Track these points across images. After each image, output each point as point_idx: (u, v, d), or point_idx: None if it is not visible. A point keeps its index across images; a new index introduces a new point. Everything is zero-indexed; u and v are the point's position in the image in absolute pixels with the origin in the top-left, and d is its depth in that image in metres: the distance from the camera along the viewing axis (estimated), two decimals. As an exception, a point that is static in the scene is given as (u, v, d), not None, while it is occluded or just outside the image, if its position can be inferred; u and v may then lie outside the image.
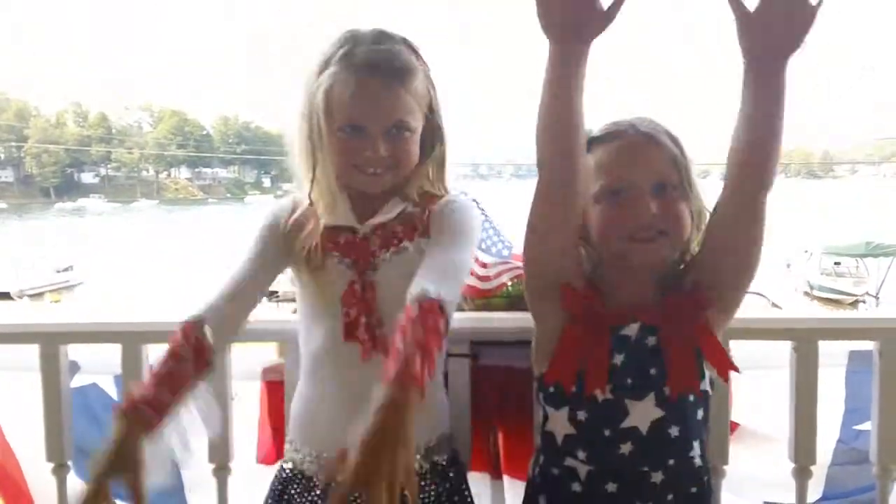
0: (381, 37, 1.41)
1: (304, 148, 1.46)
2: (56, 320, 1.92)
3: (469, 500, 1.55)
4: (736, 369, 1.39)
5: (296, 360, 1.61)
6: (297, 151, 1.48)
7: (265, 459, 1.98)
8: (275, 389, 1.90)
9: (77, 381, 1.98)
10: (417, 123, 1.44)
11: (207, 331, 1.33)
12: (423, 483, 1.46)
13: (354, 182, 1.45)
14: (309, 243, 1.46)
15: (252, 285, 1.44)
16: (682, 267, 1.42)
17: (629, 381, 1.34)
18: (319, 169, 1.44)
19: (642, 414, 1.34)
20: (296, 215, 1.49)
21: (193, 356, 1.30)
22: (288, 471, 1.52)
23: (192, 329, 1.33)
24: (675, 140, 1.36)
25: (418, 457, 1.44)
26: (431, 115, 1.47)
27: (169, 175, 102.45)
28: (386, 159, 1.41)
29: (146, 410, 1.23)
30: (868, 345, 1.85)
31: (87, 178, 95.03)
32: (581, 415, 1.37)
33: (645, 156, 1.33)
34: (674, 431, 1.35)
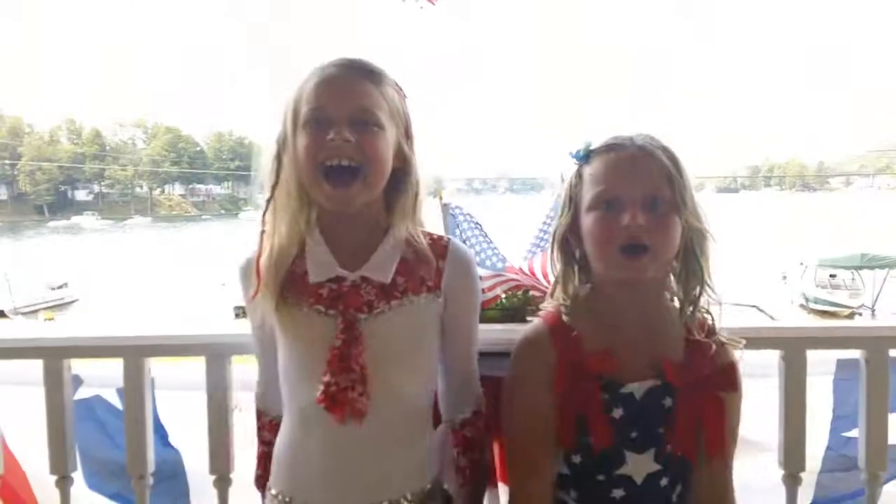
0: (358, 57, 1.41)
1: (268, 165, 1.41)
2: (58, 335, 1.94)
3: None
4: (722, 457, 1.43)
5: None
6: (263, 173, 1.42)
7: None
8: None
9: (80, 395, 2.01)
10: (388, 126, 1.38)
11: (271, 414, 1.57)
12: None
13: (320, 191, 1.34)
14: (255, 280, 1.39)
15: (275, 358, 1.49)
16: (690, 310, 1.42)
17: (633, 434, 1.38)
18: (280, 189, 1.39)
19: (640, 466, 1.38)
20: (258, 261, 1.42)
21: (273, 434, 1.54)
22: None
23: (260, 416, 1.61)
24: (671, 156, 1.38)
25: None
26: (407, 139, 1.44)
27: (163, 192, 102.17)
28: (353, 148, 1.32)
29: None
30: (855, 353, 1.90)
31: (81, 195, 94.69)
32: (576, 458, 1.40)
33: (639, 170, 1.36)
34: (664, 482, 1.40)
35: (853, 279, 22.05)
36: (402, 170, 1.43)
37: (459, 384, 1.55)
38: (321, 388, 1.35)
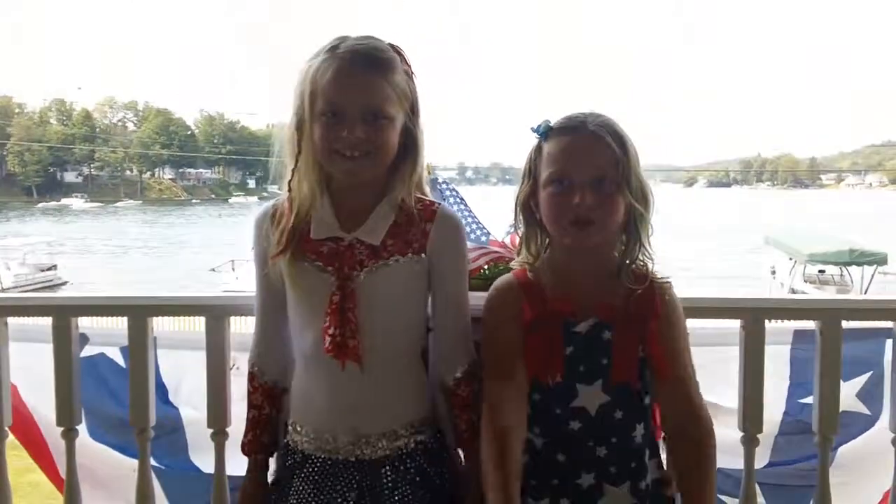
0: (368, 37, 1.56)
1: (290, 138, 1.58)
2: (67, 295, 2.05)
3: (446, 477, 1.67)
4: (669, 376, 1.59)
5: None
6: (284, 143, 1.60)
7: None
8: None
9: (85, 352, 2.13)
10: (396, 114, 1.55)
11: (265, 377, 1.69)
12: (408, 461, 1.61)
13: (335, 166, 1.54)
14: (284, 240, 1.56)
15: (277, 313, 1.67)
16: (628, 264, 1.61)
17: (581, 368, 1.57)
18: (302, 159, 1.56)
19: (590, 397, 1.57)
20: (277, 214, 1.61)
21: (267, 399, 1.69)
22: (290, 447, 1.66)
23: (252, 379, 1.70)
24: (620, 141, 1.55)
25: (404, 435, 1.61)
26: (412, 115, 1.60)
27: (153, 175, 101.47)
28: (363, 142, 1.50)
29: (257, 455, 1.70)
30: (811, 324, 2.04)
31: (70, 177, 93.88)
32: (535, 396, 1.59)
33: (589, 154, 1.55)
34: (618, 415, 1.58)
35: (842, 275, 22.15)
36: (405, 143, 1.59)
37: (449, 344, 1.67)
38: (328, 338, 1.54)
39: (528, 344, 1.58)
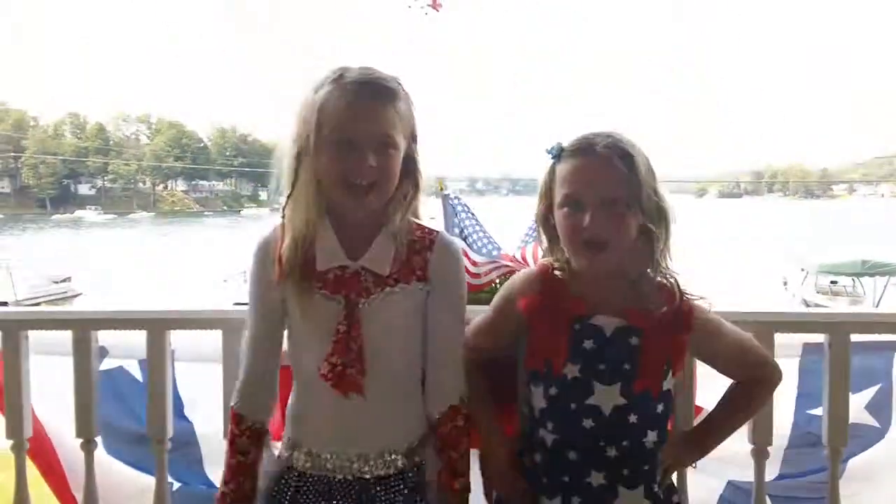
0: (369, 67, 1.59)
1: (290, 166, 1.58)
2: (87, 308, 2.10)
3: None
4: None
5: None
6: (283, 168, 1.60)
7: (274, 436, 2.16)
8: (288, 374, 2.08)
9: (104, 365, 2.17)
10: (401, 142, 1.58)
11: (253, 419, 1.66)
12: (401, 479, 1.63)
13: (345, 198, 1.55)
14: (283, 267, 1.57)
15: (270, 346, 1.67)
16: (649, 275, 1.65)
17: (601, 366, 1.60)
18: (300, 188, 1.57)
19: (606, 397, 1.60)
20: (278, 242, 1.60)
21: (254, 443, 1.66)
22: (284, 462, 1.67)
23: (240, 422, 1.66)
24: (629, 162, 1.58)
25: (402, 454, 1.64)
26: (413, 143, 1.63)
27: (166, 187, 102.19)
28: (374, 171, 1.52)
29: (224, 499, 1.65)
30: (819, 338, 2.05)
31: (84, 189, 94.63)
32: (552, 391, 1.63)
33: (596, 176, 1.59)
34: (632, 419, 1.61)
35: (854, 286, 22.03)
36: (406, 169, 1.62)
37: (438, 377, 1.67)
38: (328, 367, 1.56)
39: (536, 334, 1.65)
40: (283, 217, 1.61)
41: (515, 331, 1.71)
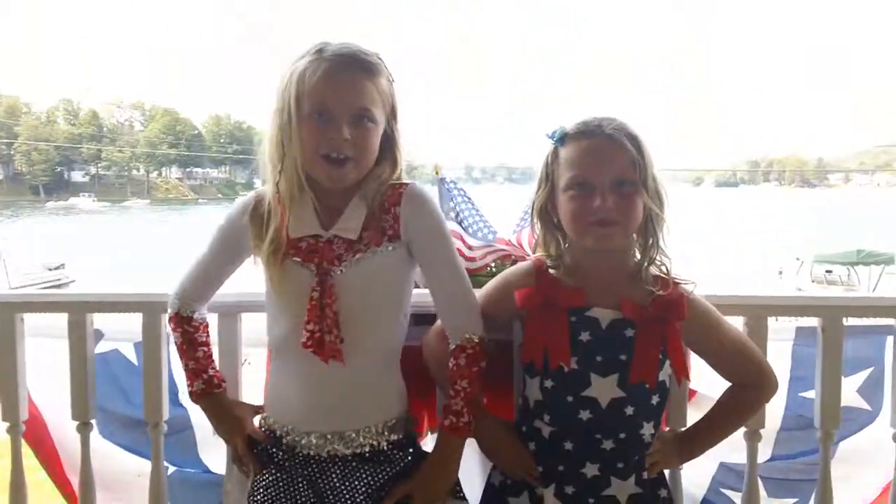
0: (350, 43, 1.58)
1: (275, 139, 1.58)
2: (83, 291, 2.10)
3: (410, 458, 1.69)
4: (688, 377, 1.74)
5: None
6: (268, 144, 1.60)
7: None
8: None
9: (99, 348, 2.17)
10: (380, 117, 1.58)
11: (199, 315, 1.79)
12: (383, 457, 1.64)
13: (318, 173, 1.55)
14: (276, 236, 1.59)
15: (215, 270, 1.76)
16: (646, 265, 1.65)
17: (598, 358, 1.60)
18: (288, 160, 1.57)
19: (603, 389, 1.60)
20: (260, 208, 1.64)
21: (208, 334, 1.79)
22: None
23: (192, 320, 1.78)
24: (636, 143, 1.59)
25: (376, 435, 1.63)
26: (393, 120, 1.63)
27: (160, 174, 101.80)
28: (349, 143, 1.52)
29: (212, 381, 1.78)
30: (813, 321, 2.06)
31: (77, 176, 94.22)
32: (548, 383, 1.63)
33: (607, 156, 1.58)
34: (629, 410, 1.61)
35: (849, 275, 22.13)
36: (384, 146, 1.62)
37: (452, 309, 1.65)
38: (307, 334, 1.56)
39: (533, 327, 1.63)
40: (279, 192, 1.59)
41: (508, 320, 1.72)
